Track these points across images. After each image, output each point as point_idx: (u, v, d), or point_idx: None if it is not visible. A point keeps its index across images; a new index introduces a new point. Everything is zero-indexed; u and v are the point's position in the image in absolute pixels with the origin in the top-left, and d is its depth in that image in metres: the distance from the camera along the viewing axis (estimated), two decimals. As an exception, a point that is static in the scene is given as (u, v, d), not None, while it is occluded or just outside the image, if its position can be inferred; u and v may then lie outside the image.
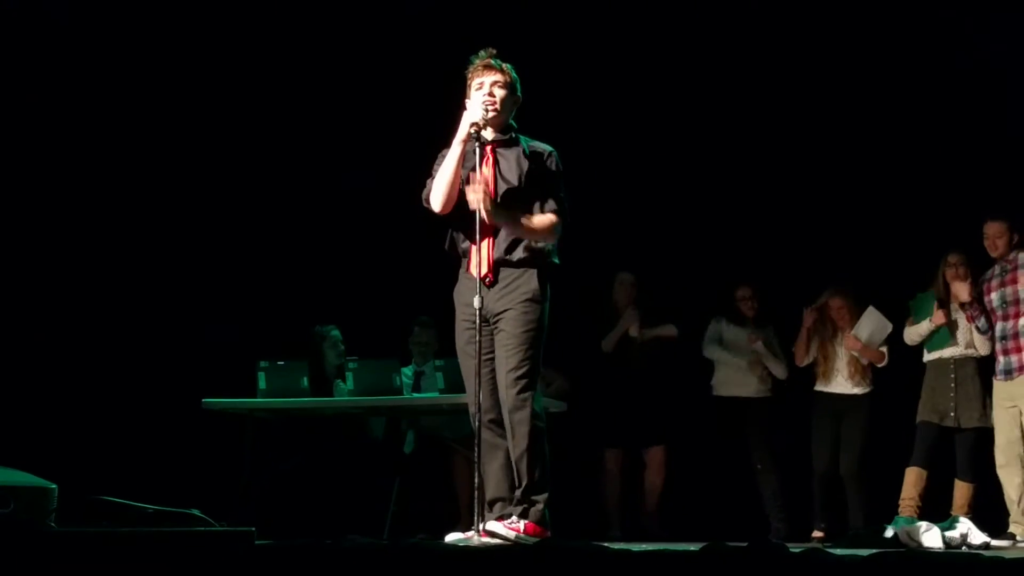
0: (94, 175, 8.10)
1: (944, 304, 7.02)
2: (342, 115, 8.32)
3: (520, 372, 4.74)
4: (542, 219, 4.81)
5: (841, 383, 7.46)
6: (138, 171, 8.18)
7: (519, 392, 4.74)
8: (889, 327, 7.34)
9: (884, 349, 7.41)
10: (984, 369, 6.99)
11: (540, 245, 4.82)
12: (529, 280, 4.80)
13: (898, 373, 7.37)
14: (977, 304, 6.85)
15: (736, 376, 7.79)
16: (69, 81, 8.03)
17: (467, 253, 4.85)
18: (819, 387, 7.54)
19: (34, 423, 7.30)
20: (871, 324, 7.34)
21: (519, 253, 4.80)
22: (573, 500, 6.49)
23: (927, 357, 7.13)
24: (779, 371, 7.78)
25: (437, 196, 4.86)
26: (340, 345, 7.52)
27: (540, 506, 4.74)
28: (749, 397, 7.75)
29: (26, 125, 7.87)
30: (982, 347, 6.99)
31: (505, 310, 4.78)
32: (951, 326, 6.99)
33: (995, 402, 6.83)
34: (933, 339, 7.07)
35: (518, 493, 4.75)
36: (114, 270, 8.05)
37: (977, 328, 6.86)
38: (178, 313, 8.06)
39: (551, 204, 4.84)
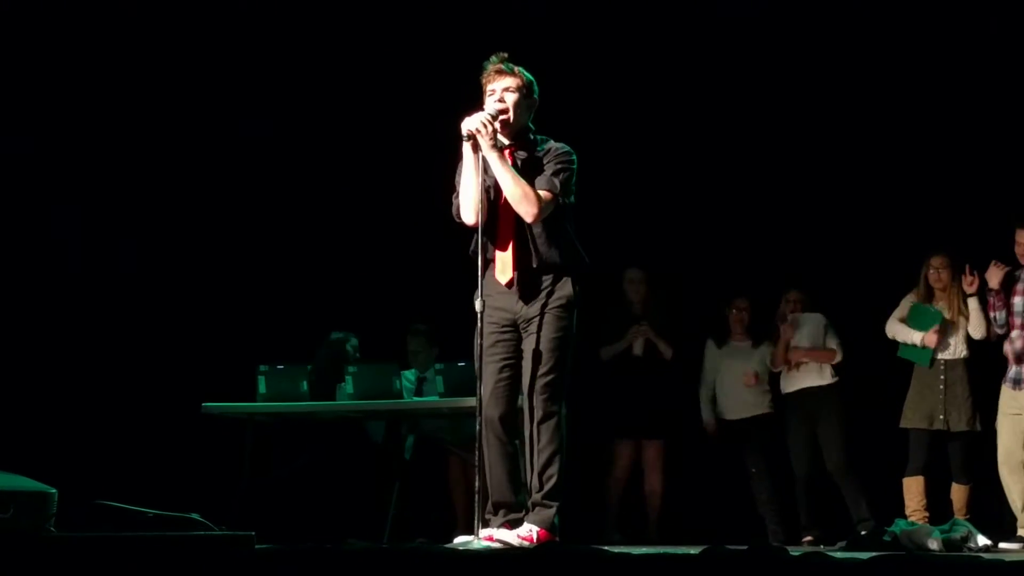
0: (92, 179, 8.09)
1: (926, 300, 7.05)
2: (344, 118, 8.31)
3: (549, 379, 4.72)
4: (528, 185, 4.72)
5: (807, 375, 7.40)
6: (138, 174, 8.17)
7: (548, 400, 4.71)
8: (821, 317, 7.38)
9: (834, 345, 7.40)
10: (972, 371, 6.99)
11: (564, 248, 4.77)
12: (564, 286, 4.78)
13: (871, 366, 7.36)
14: (1003, 295, 6.80)
15: (734, 399, 7.69)
16: (62, 81, 8.01)
17: (493, 258, 4.82)
18: (785, 387, 7.48)
19: (34, 427, 7.29)
20: (807, 325, 7.36)
21: (549, 259, 4.77)
22: (573, 501, 6.42)
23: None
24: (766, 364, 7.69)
25: (467, 210, 4.82)
26: (356, 353, 7.57)
27: (552, 511, 4.71)
28: (749, 417, 7.68)
29: (24, 124, 7.86)
30: (977, 329, 6.93)
31: (538, 316, 4.75)
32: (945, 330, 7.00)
33: (1001, 408, 6.77)
34: (909, 349, 7.08)
35: (538, 496, 4.72)
36: (113, 274, 8.04)
37: (994, 319, 6.81)
38: (178, 317, 8.05)
39: (541, 180, 4.76)
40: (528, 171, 4.81)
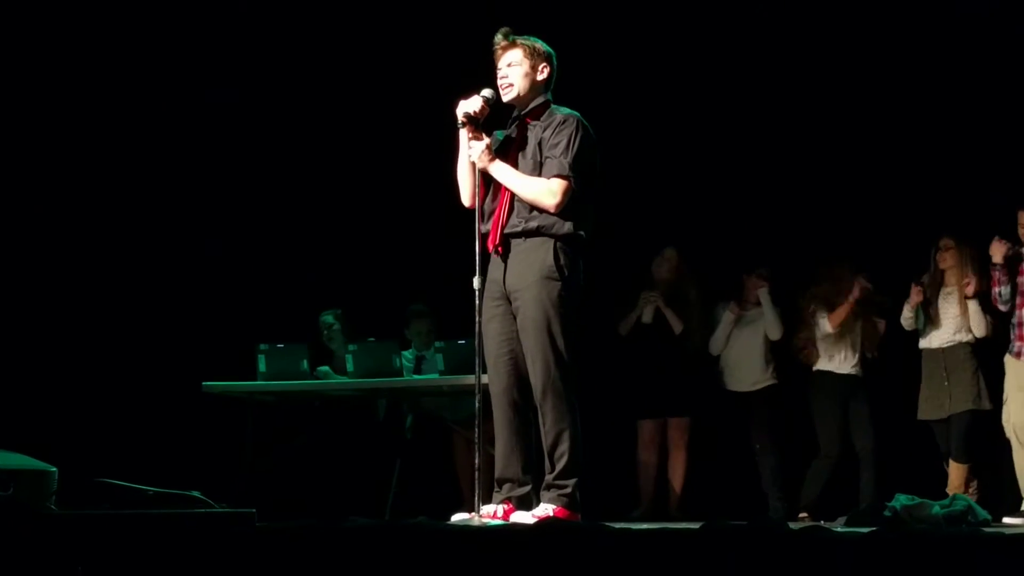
0: (92, 162, 8.07)
1: (935, 287, 7.05)
2: (340, 99, 8.29)
3: (542, 353, 4.60)
4: (538, 180, 4.67)
5: (849, 363, 7.40)
6: (136, 156, 8.16)
7: (546, 375, 4.60)
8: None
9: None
10: (978, 353, 6.99)
11: (550, 214, 4.64)
12: (544, 254, 4.64)
13: (895, 358, 7.38)
14: (1006, 270, 6.78)
15: (740, 371, 7.67)
16: (58, 80, 7.99)
17: (491, 227, 4.77)
18: (822, 366, 7.45)
19: (34, 406, 7.30)
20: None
21: (528, 224, 4.66)
22: (601, 478, 6.42)
23: (920, 345, 7.14)
24: (774, 330, 7.63)
25: (463, 194, 4.85)
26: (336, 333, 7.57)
27: (569, 490, 4.61)
28: (753, 391, 7.64)
29: (24, 119, 7.84)
30: (979, 329, 6.95)
31: (520, 288, 4.66)
32: (933, 312, 7.00)
33: (1009, 383, 6.74)
34: (924, 326, 7.09)
35: (550, 478, 4.64)
36: (114, 253, 8.03)
37: (999, 295, 6.80)
38: (178, 296, 8.05)
39: (550, 165, 4.68)
40: (533, 141, 4.75)
